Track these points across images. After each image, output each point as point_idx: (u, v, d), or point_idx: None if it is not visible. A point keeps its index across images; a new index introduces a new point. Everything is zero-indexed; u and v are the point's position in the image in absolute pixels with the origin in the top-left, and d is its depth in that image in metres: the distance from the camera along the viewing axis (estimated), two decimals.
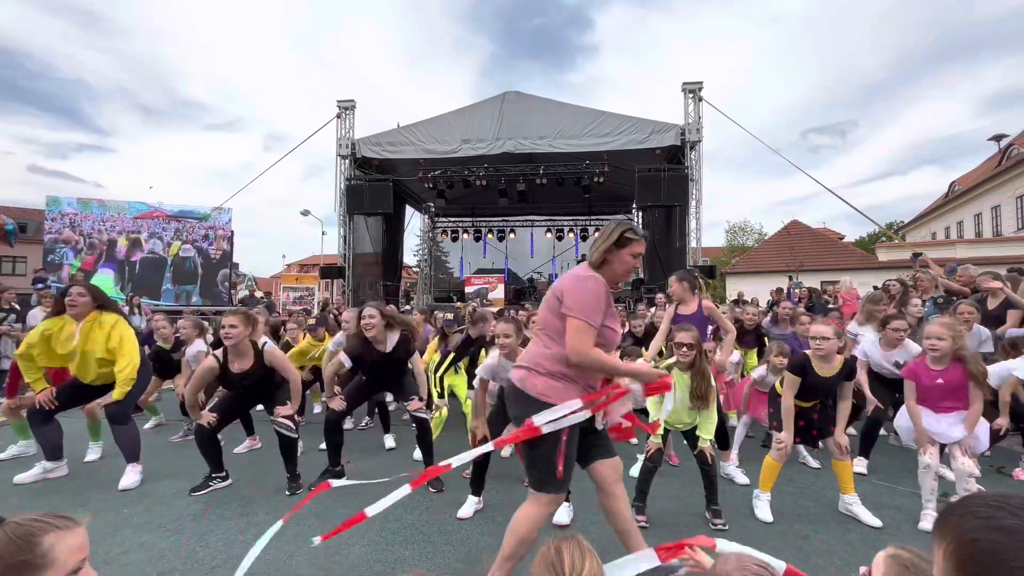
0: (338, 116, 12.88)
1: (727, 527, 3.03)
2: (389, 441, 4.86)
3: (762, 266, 23.30)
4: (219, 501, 3.47)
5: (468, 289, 14.61)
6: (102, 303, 3.87)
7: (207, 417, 3.61)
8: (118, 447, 3.87)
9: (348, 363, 3.83)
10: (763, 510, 3.19)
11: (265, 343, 3.76)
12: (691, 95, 11.53)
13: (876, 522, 3.06)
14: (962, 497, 0.78)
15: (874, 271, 19.08)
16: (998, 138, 26.51)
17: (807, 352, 3.24)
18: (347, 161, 12.78)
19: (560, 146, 11.78)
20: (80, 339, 3.74)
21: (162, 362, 5.31)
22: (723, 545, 1.39)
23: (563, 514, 3.08)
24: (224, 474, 3.76)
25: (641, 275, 14.15)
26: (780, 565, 1.20)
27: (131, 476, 3.76)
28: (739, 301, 10.76)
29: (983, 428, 3.19)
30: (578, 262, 15.94)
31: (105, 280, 14.93)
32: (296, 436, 3.74)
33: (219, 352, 3.67)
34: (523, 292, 15.14)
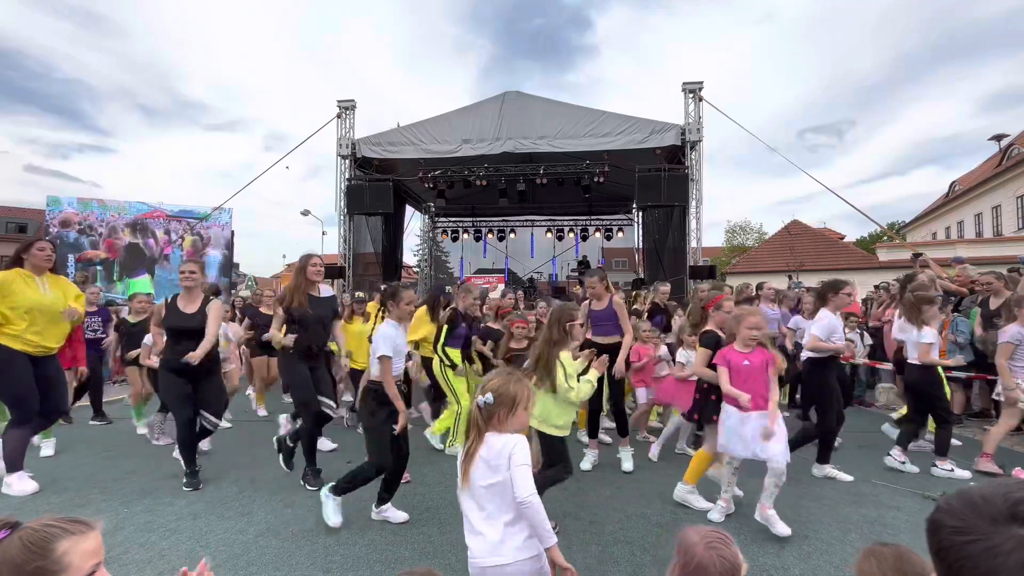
0: (338, 116, 12.87)
1: None
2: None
3: (762, 266, 23.30)
4: (219, 501, 3.47)
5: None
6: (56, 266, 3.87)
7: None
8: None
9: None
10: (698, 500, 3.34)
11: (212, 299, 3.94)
12: (691, 95, 11.52)
13: (716, 516, 3.18)
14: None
15: (874, 271, 19.07)
16: (998, 138, 26.50)
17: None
18: (347, 161, 12.78)
19: (560, 146, 11.77)
20: (50, 292, 3.65)
21: (129, 336, 5.41)
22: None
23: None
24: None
25: (641, 275, 14.16)
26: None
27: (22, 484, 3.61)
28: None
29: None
30: (579, 262, 15.97)
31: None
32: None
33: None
34: (523, 292, 15.13)
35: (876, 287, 8.30)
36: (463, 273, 17.63)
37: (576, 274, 15.27)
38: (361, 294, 6.26)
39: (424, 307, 5.11)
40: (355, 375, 5.54)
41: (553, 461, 2.93)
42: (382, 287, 6.96)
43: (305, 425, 3.80)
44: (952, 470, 3.91)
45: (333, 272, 13.45)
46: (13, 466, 3.63)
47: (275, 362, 5.81)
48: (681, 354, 4.46)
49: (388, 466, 3.06)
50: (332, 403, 3.87)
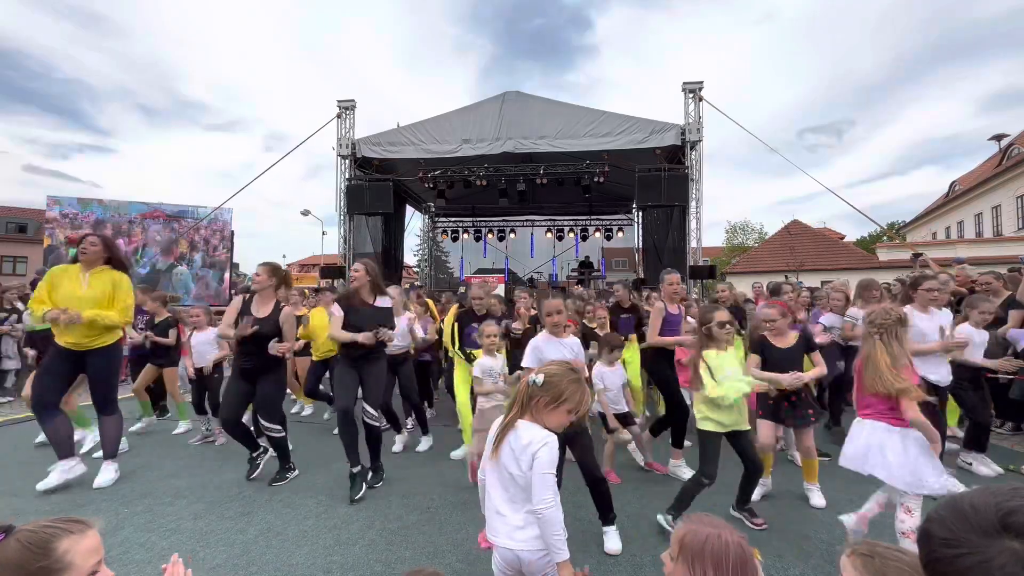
0: (338, 116, 12.87)
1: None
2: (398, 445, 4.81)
3: (762, 266, 23.29)
4: (220, 501, 3.48)
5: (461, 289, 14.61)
6: (111, 257, 3.81)
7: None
8: (101, 440, 3.89)
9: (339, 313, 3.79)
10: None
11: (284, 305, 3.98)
12: (691, 95, 11.51)
13: (822, 503, 3.31)
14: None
15: (874, 271, 19.06)
16: (998, 138, 26.49)
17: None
18: (347, 161, 12.78)
19: (560, 146, 11.77)
20: (88, 286, 3.65)
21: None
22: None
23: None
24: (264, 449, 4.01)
25: (642, 275, 14.15)
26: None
27: (107, 474, 3.78)
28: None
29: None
30: (580, 263, 15.95)
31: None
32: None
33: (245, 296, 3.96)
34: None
35: None
36: (463, 273, 17.62)
37: (577, 274, 15.26)
38: (324, 284, 6.29)
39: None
40: (316, 367, 5.56)
41: (701, 463, 3.00)
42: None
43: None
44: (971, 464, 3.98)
45: (333, 272, 13.46)
46: (62, 452, 3.69)
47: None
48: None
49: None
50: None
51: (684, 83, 11.62)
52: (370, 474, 3.80)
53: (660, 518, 3.00)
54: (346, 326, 3.66)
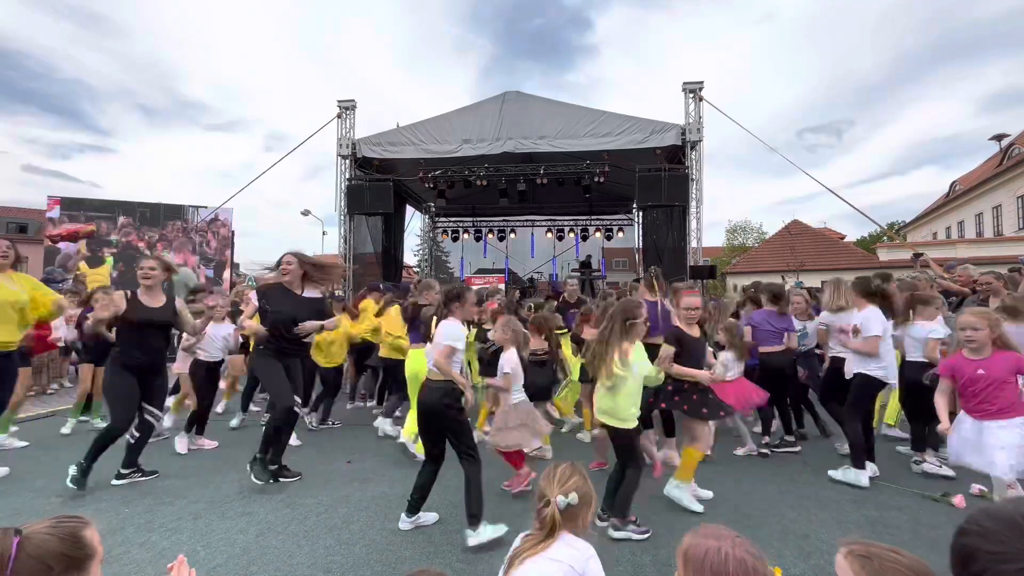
0: (338, 116, 12.88)
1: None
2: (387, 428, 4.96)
3: (763, 266, 23.29)
4: (220, 500, 3.48)
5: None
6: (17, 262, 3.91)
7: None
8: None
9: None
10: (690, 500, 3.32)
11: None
12: (691, 95, 11.51)
13: (698, 507, 3.25)
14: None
15: (875, 271, 19.06)
16: (999, 138, 26.48)
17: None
18: (347, 161, 12.78)
19: (560, 146, 11.77)
20: (18, 285, 3.69)
21: (96, 336, 5.32)
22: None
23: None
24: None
25: (642, 275, 14.13)
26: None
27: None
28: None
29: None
30: (580, 263, 15.94)
31: (108, 261, 15.20)
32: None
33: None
34: (524, 292, 15.13)
35: None
36: (463, 273, 17.62)
37: (578, 274, 15.24)
38: (339, 292, 6.42)
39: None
40: (326, 374, 5.60)
41: (625, 461, 3.01)
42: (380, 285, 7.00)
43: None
44: (940, 466, 3.92)
45: None
46: None
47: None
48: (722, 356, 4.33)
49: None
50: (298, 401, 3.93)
51: (684, 83, 11.62)
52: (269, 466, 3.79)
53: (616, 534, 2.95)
54: (265, 315, 3.81)
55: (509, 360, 3.69)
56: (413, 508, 3.05)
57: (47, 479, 3.74)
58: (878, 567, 0.96)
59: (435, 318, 3.35)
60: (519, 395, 3.68)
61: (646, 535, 2.90)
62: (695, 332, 3.46)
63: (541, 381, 4.40)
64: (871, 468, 3.81)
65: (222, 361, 5.01)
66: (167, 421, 5.41)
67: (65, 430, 5.29)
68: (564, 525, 1.57)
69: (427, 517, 3.13)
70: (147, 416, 3.82)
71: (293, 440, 4.46)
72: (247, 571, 2.59)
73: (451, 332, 3.02)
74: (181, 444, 4.66)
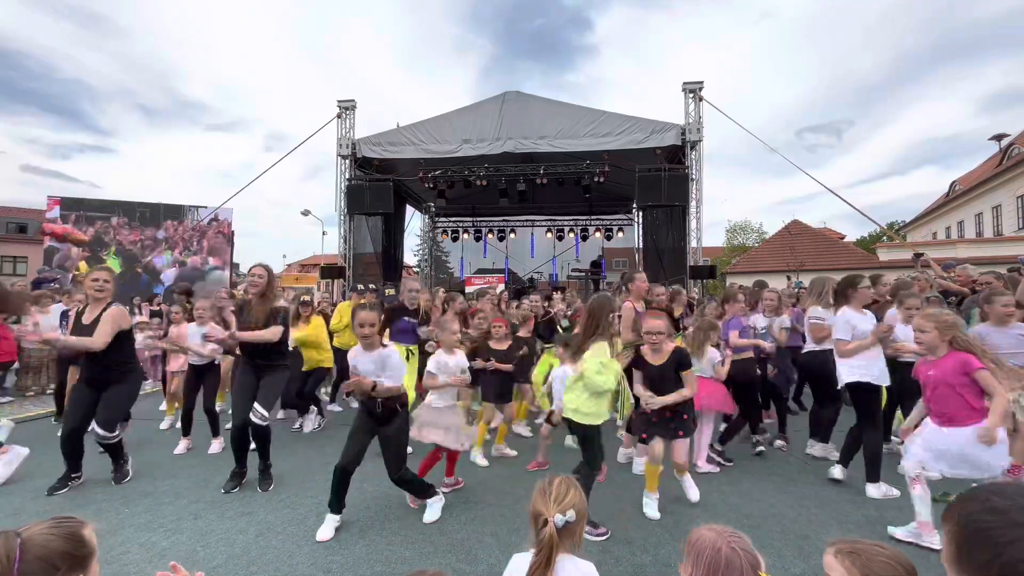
0: (338, 116, 12.89)
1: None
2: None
3: (763, 266, 23.28)
4: (220, 501, 3.48)
5: (469, 289, 14.59)
6: None
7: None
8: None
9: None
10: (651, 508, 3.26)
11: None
12: (691, 95, 11.52)
13: (655, 514, 3.19)
14: (971, 487, 0.80)
15: (874, 271, 19.06)
16: (999, 137, 26.47)
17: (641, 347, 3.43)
18: (347, 161, 12.79)
19: (560, 146, 11.77)
20: None
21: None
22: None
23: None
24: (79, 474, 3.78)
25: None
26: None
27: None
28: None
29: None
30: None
31: (113, 262, 15.19)
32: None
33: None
34: (523, 292, 15.12)
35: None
36: (463, 273, 17.62)
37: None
38: (307, 297, 6.43)
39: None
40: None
41: (585, 455, 3.07)
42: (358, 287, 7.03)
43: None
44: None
45: (333, 272, 13.46)
46: None
47: None
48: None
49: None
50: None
51: (684, 83, 11.63)
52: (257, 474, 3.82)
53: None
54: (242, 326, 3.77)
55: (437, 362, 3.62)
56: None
57: (48, 479, 3.72)
58: (866, 560, 1.04)
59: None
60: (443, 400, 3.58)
61: (604, 537, 2.92)
62: (656, 359, 3.34)
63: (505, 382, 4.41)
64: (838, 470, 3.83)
65: (213, 362, 5.02)
66: (164, 423, 5.47)
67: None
68: (561, 544, 1.50)
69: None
70: (96, 429, 3.68)
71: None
72: (247, 571, 2.58)
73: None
74: (180, 445, 4.67)
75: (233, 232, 17.45)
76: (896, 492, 3.49)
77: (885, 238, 28.50)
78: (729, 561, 1.15)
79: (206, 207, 16.44)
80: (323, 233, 36.44)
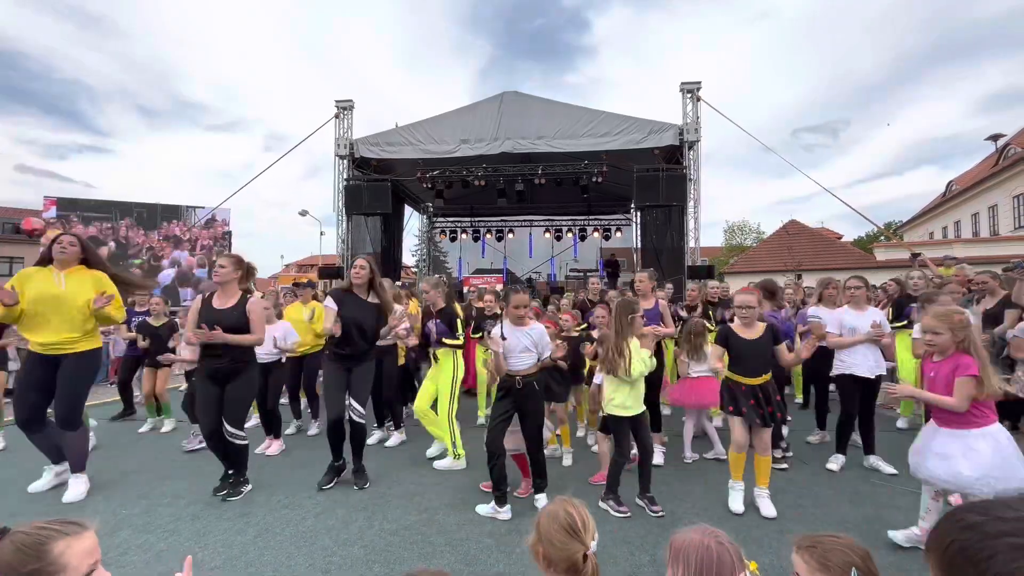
0: (336, 116, 12.86)
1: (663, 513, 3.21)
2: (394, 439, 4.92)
3: (761, 266, 23.32)
4: (218, 502, 3.47)
5: (467, 289, 14.59)
6: (87, 257, 3.61)
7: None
8: (66, 454, 3.61)
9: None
10: (736, 500, 3.32)
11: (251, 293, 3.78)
12: (689, 95, 11.53)
13: (740, 507, 3.26)
14: (946, 510, 0.80)
15: (872, 271, 19.11)
16: (995, 138, 26.56)
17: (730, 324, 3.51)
18: (346, 161, 12.77)
19: (559, 146, 11.77)
20: (66, 285, 3.45)
21: (152, 339, 5.51)
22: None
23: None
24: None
25: None
26: None
27: (77, 487, 3.52)
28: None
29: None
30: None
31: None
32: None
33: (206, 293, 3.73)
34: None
35: (873, 287, 8.31)
36: (461, 273, 17.61)
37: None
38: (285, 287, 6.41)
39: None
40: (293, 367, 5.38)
41: (618, 447, 3.34)
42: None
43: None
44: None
45: (331, 272, 13.44)
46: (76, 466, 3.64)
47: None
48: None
49: None
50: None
51: (682, 83, 11.64)
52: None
53: (601, 504, 3.26)
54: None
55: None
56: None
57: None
58: (823, 552, 1.14)
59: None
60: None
61: (625, 515, 3.18)
62: (749, 333, 3.38)
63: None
64: (840, 460, 4.10)
65: (279, 360, 4.99)
66: (167, 425, 5.46)
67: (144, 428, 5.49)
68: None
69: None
70: (227, 428, 3.57)
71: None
72: (245, 572, 2.58)
73: None
74: (190, 443, 4.70)
75: (231, 232, 17.39)
76: (842, 458, 4.04)
77: (882, 238, 28.58)
78: (720, 557, 1.15)
79: (203, 207, 16.40)
80: (321, 233, 36.43)
